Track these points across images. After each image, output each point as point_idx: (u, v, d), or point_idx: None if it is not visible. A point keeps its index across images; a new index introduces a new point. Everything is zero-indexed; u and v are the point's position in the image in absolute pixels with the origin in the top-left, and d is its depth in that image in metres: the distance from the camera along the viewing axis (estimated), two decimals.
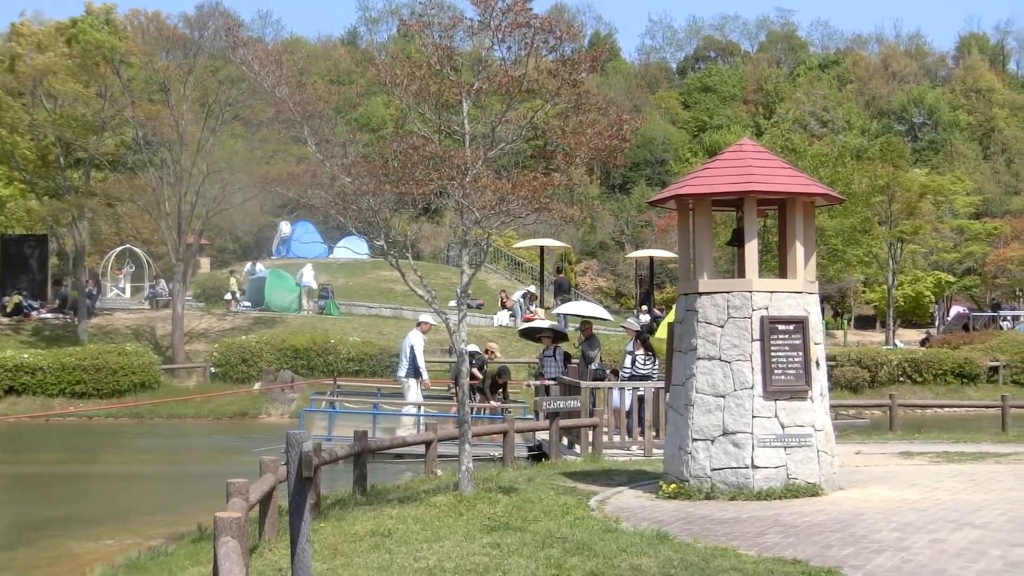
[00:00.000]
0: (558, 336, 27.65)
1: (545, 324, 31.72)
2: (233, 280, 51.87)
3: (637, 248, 67.54)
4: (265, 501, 11.51)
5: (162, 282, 52.06)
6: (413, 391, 25.80)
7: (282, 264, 54.74)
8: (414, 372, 25.80)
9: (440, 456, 18.46)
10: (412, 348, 25.72)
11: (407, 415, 25.46)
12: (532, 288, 49.29)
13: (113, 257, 57.03)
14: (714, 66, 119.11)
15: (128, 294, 55.57)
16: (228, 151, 46.87)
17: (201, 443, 31.71)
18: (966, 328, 57.01)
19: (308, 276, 49.39)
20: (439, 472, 17.55)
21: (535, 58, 13.56)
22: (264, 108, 38.48)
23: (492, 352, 27.55)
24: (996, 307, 64.37)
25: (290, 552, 9.00)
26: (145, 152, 44.20)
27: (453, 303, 17.68)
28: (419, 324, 26.36)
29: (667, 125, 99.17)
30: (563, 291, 48.36)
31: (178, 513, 18.06)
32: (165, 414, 36.38)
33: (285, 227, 62.02)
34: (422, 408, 25.70)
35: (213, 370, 40.51)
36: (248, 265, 54.55)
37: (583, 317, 32.17)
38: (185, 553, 12.43)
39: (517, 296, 47.59)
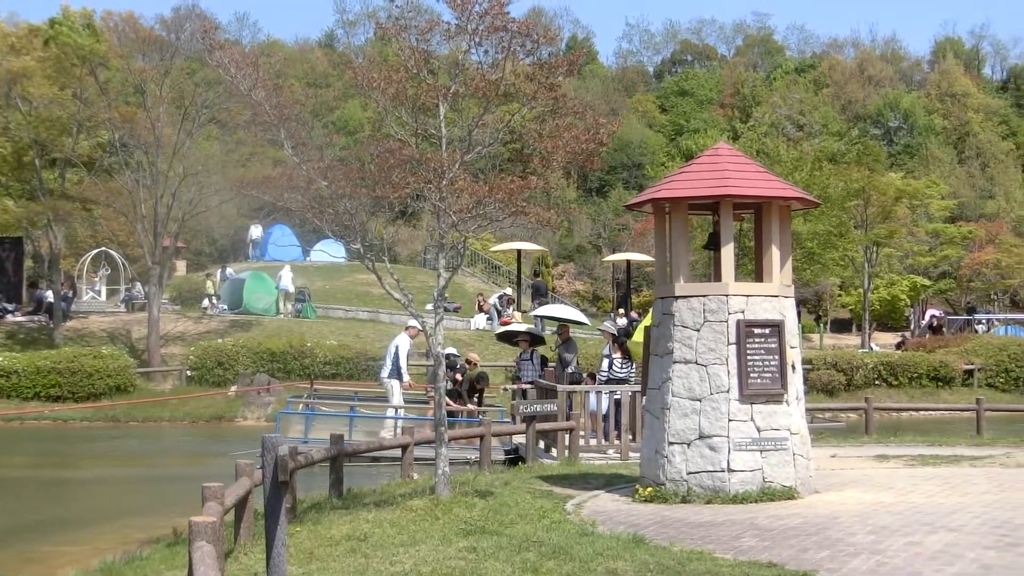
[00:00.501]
0: (535, 339, 27.63)
1: (522, 327, 31.70)
2: (210, 283, 51.74)
3: (614, 251, 67.61)
4: (241, 505, 11.48)
5: (138, 285, 51.86)
6: (396, 393, 25.81)
7: (258, 267, 54.63)
8: (397, 374, 25.82)
9: (417, 460, 18.44)
10: (396, 349, 25.74)
11: (389, 417, 25.45)
12: (508, 291, 49.31)
13: (89, 260, 56.77)
14: (691, 70, 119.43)
15: (104, 297, 55.28)
16: (204, 154, 46.78)
17: (177, 446, 31.61)
18: (932, 328, 57.27)
19: (287, 279, 49.29)
20: (415, 476, 17.53)
21: (512, 62, 13.57)
22: (241, 111, 38.36)
23: (474, 363, 27.55)
24: (971, 311, 64.67)
25: (265, 556, 8.98)
26: (121, 154, 44.07)
27: (430, 306, 17.69)
28: (407, 328, 26.37)
29: (644, 129, 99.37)
30: (540, 294, 48.39)
31: (153, 517, 17.99)
32: (141, 417, 36.22)
33: (255, 231, 61.93)
34: (400, 411, 25.69)
35: (189, 373, 40.37)
36: (219, 270, 54.32)
37: (560, 320, 32.20)
38: (160, 557, 12.38)
39: (494, 299, 47.60)
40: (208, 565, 7.06)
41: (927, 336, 55.48)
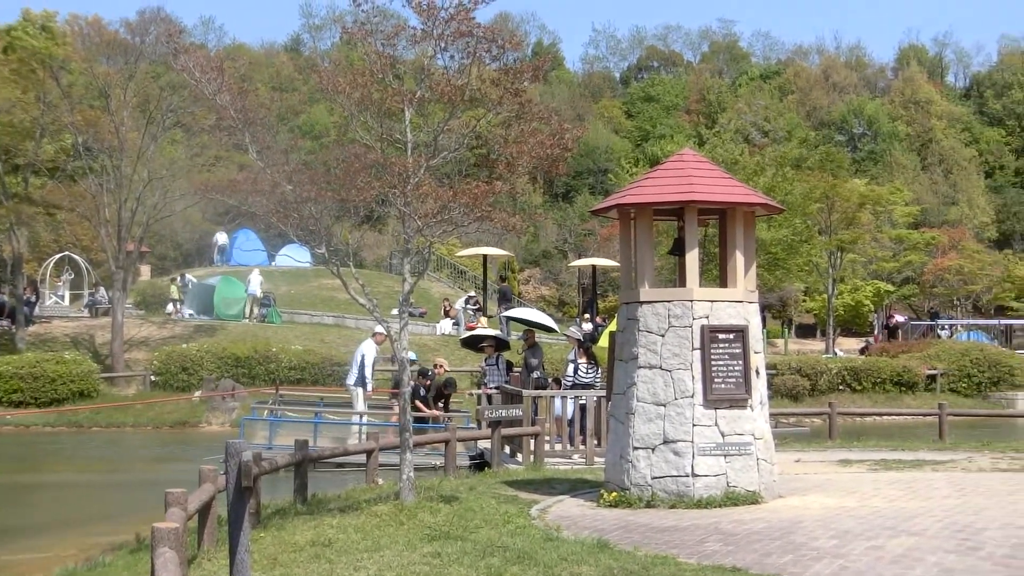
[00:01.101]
0: (500, 344, 27.67)
1: (488, 332, 31.72)
2: (174, 288, 51.40)
3: (580, 257, 67.68)
4: (204, 511, 11.44)
5: (102, 290, 51.56)
6: (360, 400, 25.78)
7: (224, 272, 54.35)
8: (362, 381, 25.80)
9: (382, 465, 18.41)
10: (363, 357, 25.71)
11: (354, 424, 25.42)
12: (472, 293, 49.32)
13: (52, 264, 56.40)
14: (657, 76, 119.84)
15: (67, 302, 54.93)
16: (169, 158, 46.54)
17: (140, 452, 31.42)
18: (888, 329, 57.59)
19: (255, 283, 49.06)
20: (380, 481, 17.51)
21: (478, 67, 13.59)
22: (205, 115, 38.22)
23: (441, 367, 27.53)
24: (934, 316, 65.13)
25: (229, 562, 8.95)
26: (85, 158, 43.80)
27: (396, 311, 17.68)
28: (374, 335, 26.34)
29: (610, 134, 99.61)
30: (507, 299, 48.42)
31: (116, 523, 17.90)
32: (104, 423, 36.02)
33: (221, 237, 61.65)
34: (364, 417, 25.67)
35: (153, 378, 40.15)
36: (179, 277, 53.90)
37: (528, 323, 32.26)
38: (123, 564, 12.33)
39: (460, 304, 47.61)
40: (171, 571, 7.03)
41: (885, 336, 55.84)
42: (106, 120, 42.93)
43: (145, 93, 45.17)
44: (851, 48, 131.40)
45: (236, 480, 9.08)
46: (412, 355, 26.86)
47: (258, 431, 26.10)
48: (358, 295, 13.91)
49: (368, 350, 25.90)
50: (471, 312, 45.64)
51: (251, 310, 48.40)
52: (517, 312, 39.80)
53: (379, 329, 25.48)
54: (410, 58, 15.26)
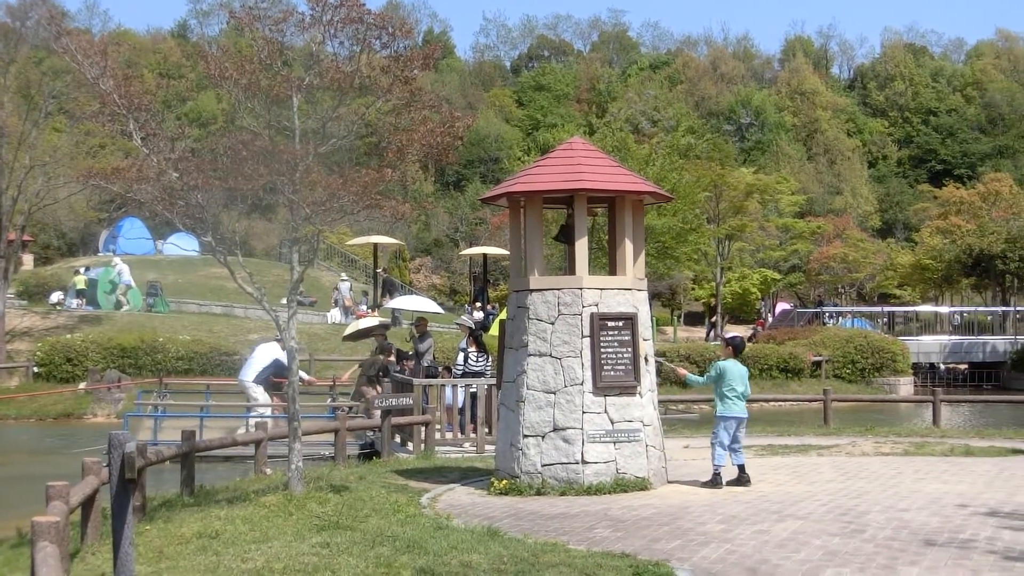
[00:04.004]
0: (387, 330, 27.64)
1: (375, 322, 31.60)
2: (80, 279, 49.60)
3: (471, 245, 67.72)
4: (87, 504, 11.25)
5: None
6: (261, 394, 25.44)
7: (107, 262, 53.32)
8: (263, 380, 25.42)
9: (272, 457, 18.26)
10: (276, 360, 25.14)
11: (253, 416, 25.12)
12: (343, 275, 49.28)
13: None
14: (548, 65, 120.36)
15: None
16: (52, 145, 45.56)
17: (23, 444, 30.76)
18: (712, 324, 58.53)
19: (126, 273, 48.13)
20: (269, 472, 17.35)
21: (367, 54, 13.49)
22: (89, 101, 37.44)
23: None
24: (819, 303, 66.28)
25: (113, 556, 8.79)
26: None
27: (284, 300, 17.51)
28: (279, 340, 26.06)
29: (501, 123, 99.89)
30: (393, 289, 48.40)
31: None
32: None
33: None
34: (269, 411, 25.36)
35: (36, 370, 39.31)
36: (83, 269, 52.63)
37: (418, 313, 32.22)
38: (3, 559, 12.06)
39: (346, 292, 47.56)
40: (51, 566, 6.90)
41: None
42: None
43: (27, 78, 44.18)
44: (739, 39, 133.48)
45: (120, 472, 8.93)
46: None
47: (144, 423, 25.70)
48: (245, 284, 13.75)
49: (279, 353, 25.51)
50: (363, 295, 45.61)
51: (124, 299, 47.40)
52: (400, 303, 39.82)
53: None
54: (299, 45, 15.12)
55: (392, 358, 25.31)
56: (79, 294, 47.93)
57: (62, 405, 36.39)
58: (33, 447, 30.21)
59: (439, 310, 35.33)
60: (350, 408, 23.84)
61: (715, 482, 14.11)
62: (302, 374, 26.00)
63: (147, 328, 42.06)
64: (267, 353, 25.80)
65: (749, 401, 14.76)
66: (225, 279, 46.91)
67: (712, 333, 57.82)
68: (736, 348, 15.01)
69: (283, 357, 25.64)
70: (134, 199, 14.75)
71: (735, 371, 14.46)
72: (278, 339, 26.02)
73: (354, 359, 37.67)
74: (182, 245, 57.25)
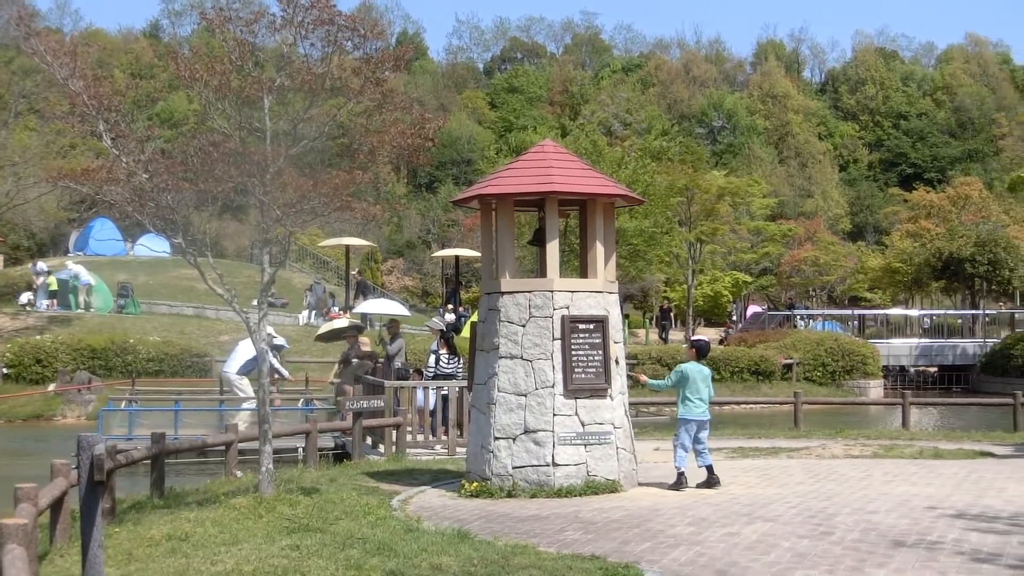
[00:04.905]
0: (361, 332, 27.59)
1: (344, 323, 31.58)
2: (53, 279, 49.23)
3: (443, 247, 67.74)
4: (56, 506, 11.19)
5: None
6: (246, 385, 25.45)
7: (81, 261, 52.96)
8: (246, 371, 25.46)
9: (243, 457, 18.22)
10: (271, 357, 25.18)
11: (244, 409, 25.08)
12: (318, 278, 49.23)
13: None
14: (520, 67, 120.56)
15: None
16: (22, 145, 45.36)
17: None
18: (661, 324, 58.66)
19: (84, 273, 47.79)
20: (239, 474, 17.30)
21: (339, 56, 13.48)
22: (60, 101, 37.30)
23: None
24: (791, 306, 66.57)
25: (81, 558, 8.77)
26: None
27: (255, 302, 17.48)
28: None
29: (474, 125, 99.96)
30: (365, 291, 48.35)
31: None
32: None
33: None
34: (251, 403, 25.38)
35: (5, 371, 39.02)
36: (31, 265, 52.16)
37: (388, 316, 32.20)
38: None
39: (319, 292, 47.50)
40: (19, 568, 6.86)
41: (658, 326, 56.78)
42: None
43: None
44: (711, 42, 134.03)
45: (88, 474, 8.90)
46: (282, 340, 26.73)
47: (117, 423, 25.61)
48: (215, 286, 13.71)
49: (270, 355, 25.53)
50: (330, 298, 45.54)
51: (84, 299, 47.02)
52: (367, 307, 39.89)
53: (268, 329, 24.96)
54: (271, 46, 15.08)
55: (368, 360, 25.35)
56: (51, 295, 47.57)
57: (31, 407, 36.16)
58: (1, 449, 30.03)
59: (407, 312, 35.32)
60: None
61: (679, 484, 14.16)
62: (282, 370, 26.06)
63: (118, 329, 41.85)
64: (251, 347, 25.84)
65: (718, 404, 14.81)
66: (196, 280, 46.65)
67: (664, 335, 57.65)
68: (700, 351, 15.01)
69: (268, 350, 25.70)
70: (104, 200, 14.69)
71: (697, 373, 14.51)
72: (270, 334, 26.09)
73: (326, 361, 37.66)
74: (153, 246, 57.00)
